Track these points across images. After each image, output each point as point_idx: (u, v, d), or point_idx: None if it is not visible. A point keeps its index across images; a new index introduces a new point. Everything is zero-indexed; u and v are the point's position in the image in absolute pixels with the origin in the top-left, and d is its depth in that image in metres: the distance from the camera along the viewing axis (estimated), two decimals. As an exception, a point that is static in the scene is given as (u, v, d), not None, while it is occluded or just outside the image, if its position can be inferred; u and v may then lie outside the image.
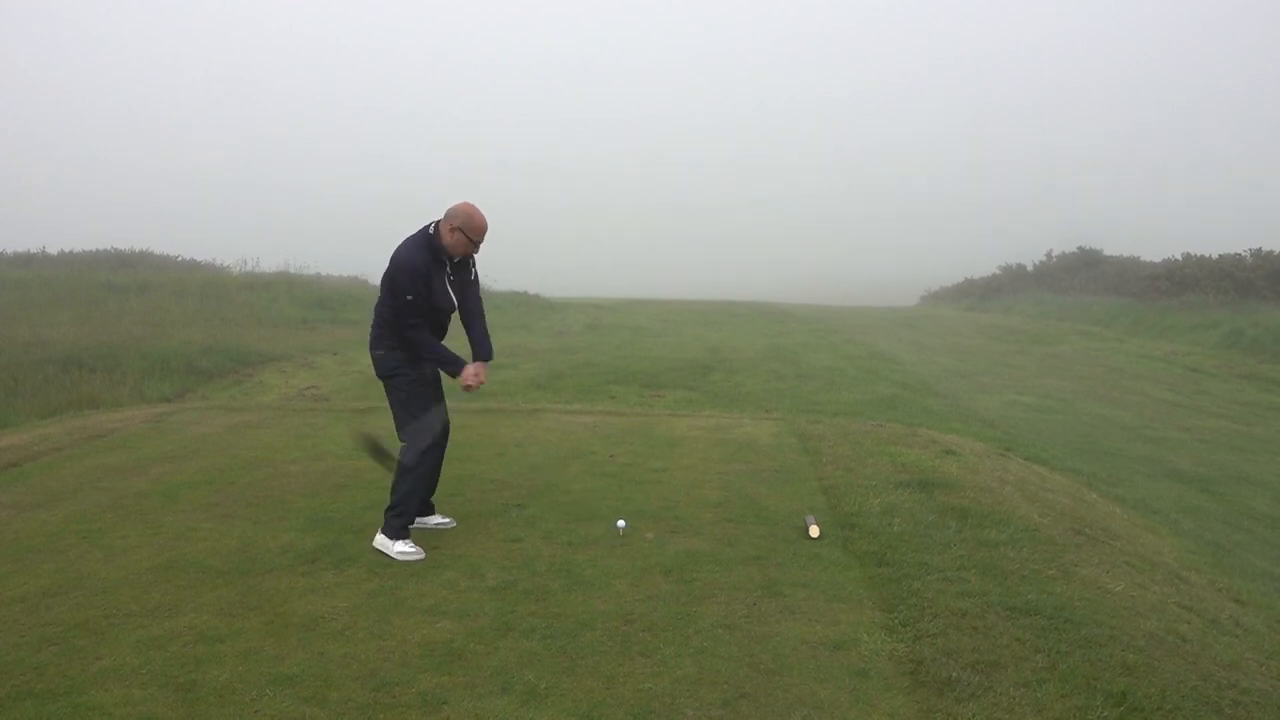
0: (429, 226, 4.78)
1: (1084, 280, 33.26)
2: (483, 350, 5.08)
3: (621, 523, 5.02)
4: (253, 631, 3.71)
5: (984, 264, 40.94)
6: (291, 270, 25.56)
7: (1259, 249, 27.00)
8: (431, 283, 4.71)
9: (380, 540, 4.70)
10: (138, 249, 30.30)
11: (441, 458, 5.03)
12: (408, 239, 4.76)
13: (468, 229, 4.72)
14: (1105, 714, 3.13)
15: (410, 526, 4.82)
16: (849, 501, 5.58)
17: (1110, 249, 35.78)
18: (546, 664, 3.44)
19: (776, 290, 42.21)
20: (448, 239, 4.72)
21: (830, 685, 3.30)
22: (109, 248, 30.09)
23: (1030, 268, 37.92)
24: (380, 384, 4.99)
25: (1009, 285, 37.32)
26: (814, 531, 4.95)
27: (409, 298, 4.66)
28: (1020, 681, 3.33)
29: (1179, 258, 29.15)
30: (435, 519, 5.11)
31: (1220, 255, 27.72)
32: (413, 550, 4.63)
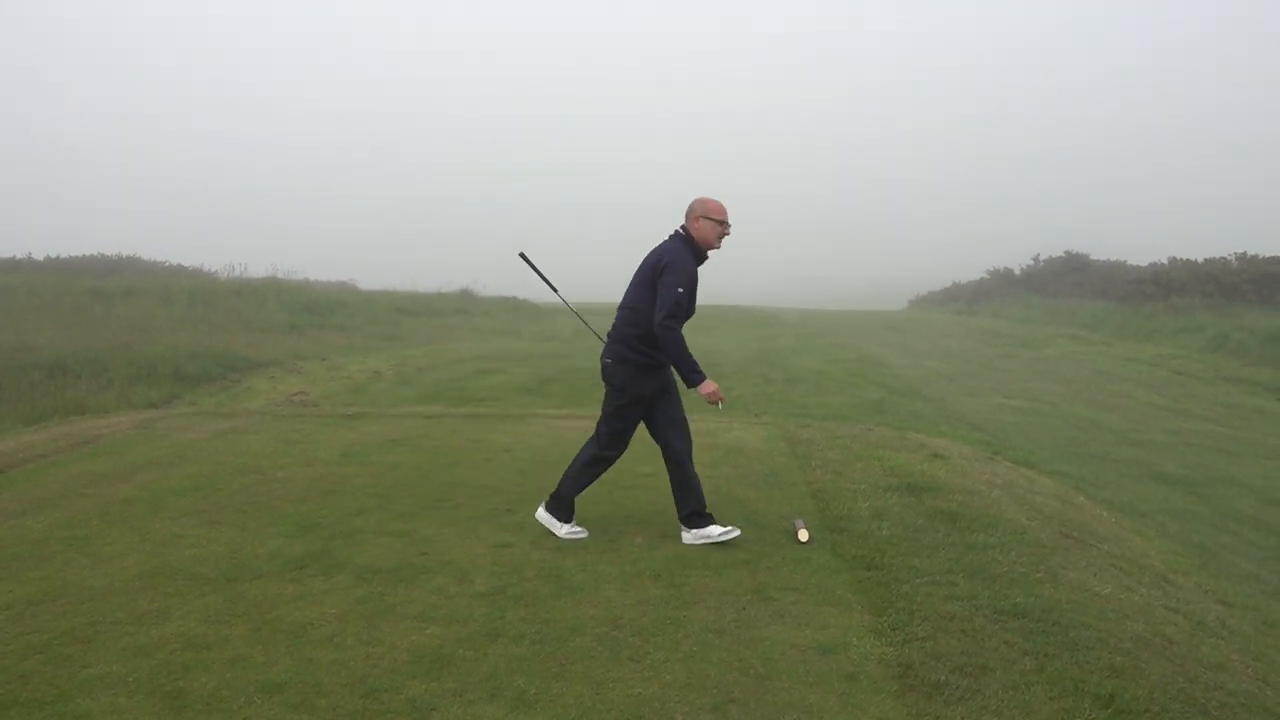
0: (676, 232, 4.78)
1: (1071, 284, 33.42)
2: None
3: (803, 533, 4.97)
4: (240, 639, 3.69)
5: (972, 268, 41.11)
6: (279, 275, 25.51)
7: (1244, 253, 27.20)
8: (697, 282, 4.70)
9: (689, 536, 4.82)
10: (124, 254, 30.22)
11: (685, 463, 4.96)
12: (666, 244, 4.75)
13: (709, 213, 4.68)
14: (1093, 716, 3.14)
15: (565, 528, 4.95)
16: (838, 505, 5.60)
17: (1097, 253, 35.99)
18: (536, 669, 3.43)
19: (764, 294, 42.28)
20: (697, 232, 4.70)
21: (819, 689, 3.31)
22: (95, 253, 30.01)
23: (1018, 272, 38.09)
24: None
25: (997, 289, 37.47)
26: (803, 535, 4.96)
27: (679, 290, 4.59)
28: (1008, 684, 3.34)
29: (1165, 262, 29.33)
30: (567, 528, 4.98)
31: (1206, 259, 27.91)
32: (720, 530, 4.77)
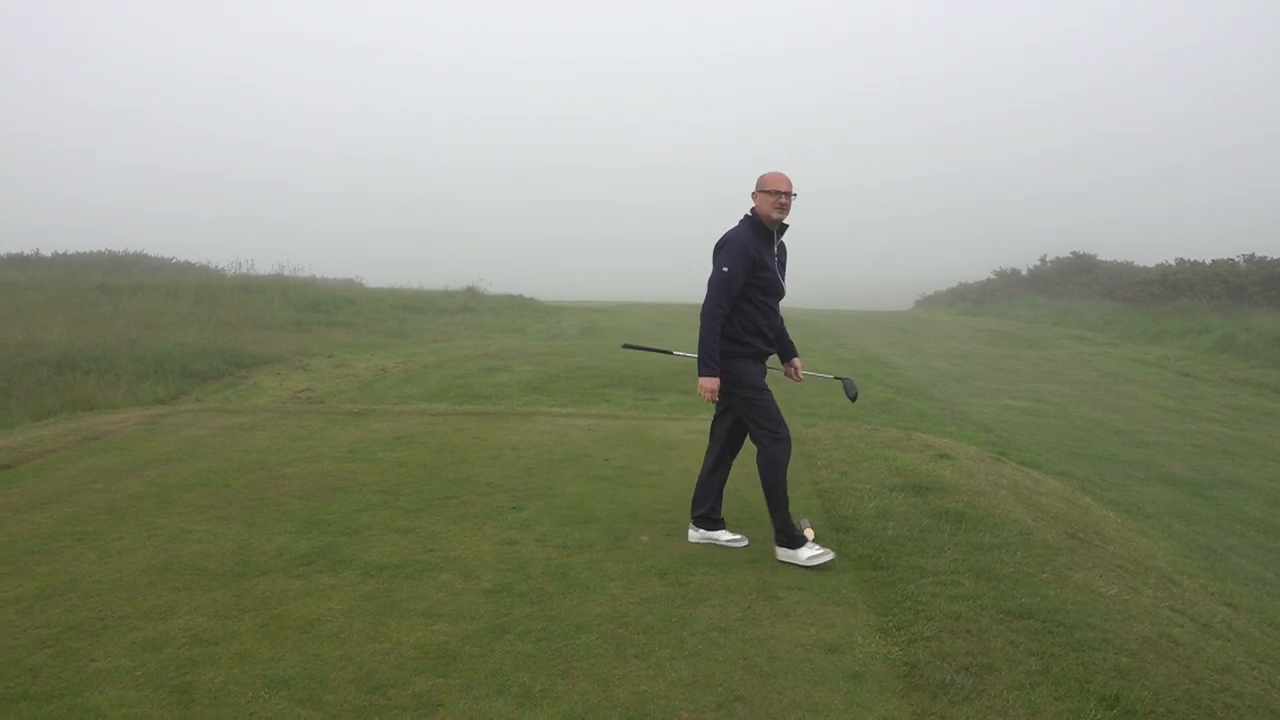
0: (745, 214, 4.73)
1: (1078, 285, 33.35)
2: (790, 349, 5.05)
3: (809, 532, 4.94)
4: (248, 634, 3.71)
5: (978, 268, 41.01)
6: (286, 272, 25.56)
7: (1252, 254, 27.11)
8: (763, 259, 4.59)
9: (783, 554, 4.63)
10: (132, 251, 30.34)
11: (726, 466, 4.97)
12: (731, 228, 4.71)
13: (762, 185, 4.62)
14: (1098, 717, 3.14)
15: (708, 537, 4.86)
16: (843, 505, 5.60)
17: (1104, 254, 35.89)
18: (542, 666, 3.44)
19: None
20: (758, 208, 4.64)
21: (824, 688, 3.31)
22: (103, 249, 30.14)
23: (1025, 272, 38.01)
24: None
25: (1003, 290, 37.40)
26: (809, 535, 4.95)
27: (725, 269, 4.52)
28: (1014, 685, 3.34)
29: (1172, 263, 29.24)
30: (807, 553, 4.63)
31: (1213, 260, 27.81)
32: (820, 552, 4.55)
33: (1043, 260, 37.71)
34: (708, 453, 5.03)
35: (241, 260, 27.47)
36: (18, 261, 27.24)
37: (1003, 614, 3.96)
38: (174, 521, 5.19)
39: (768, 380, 4.80)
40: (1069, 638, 3.76)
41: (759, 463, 4.72)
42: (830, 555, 4.55)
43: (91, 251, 29.99)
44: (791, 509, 5.49)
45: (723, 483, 4.98)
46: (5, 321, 15.69)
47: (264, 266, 26.50)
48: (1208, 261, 27.93)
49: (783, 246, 4.83)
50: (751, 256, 4.55)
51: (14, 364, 12.07)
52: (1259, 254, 26.97)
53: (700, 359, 4.65)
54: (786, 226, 4.76)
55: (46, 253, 29.31)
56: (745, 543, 4.85)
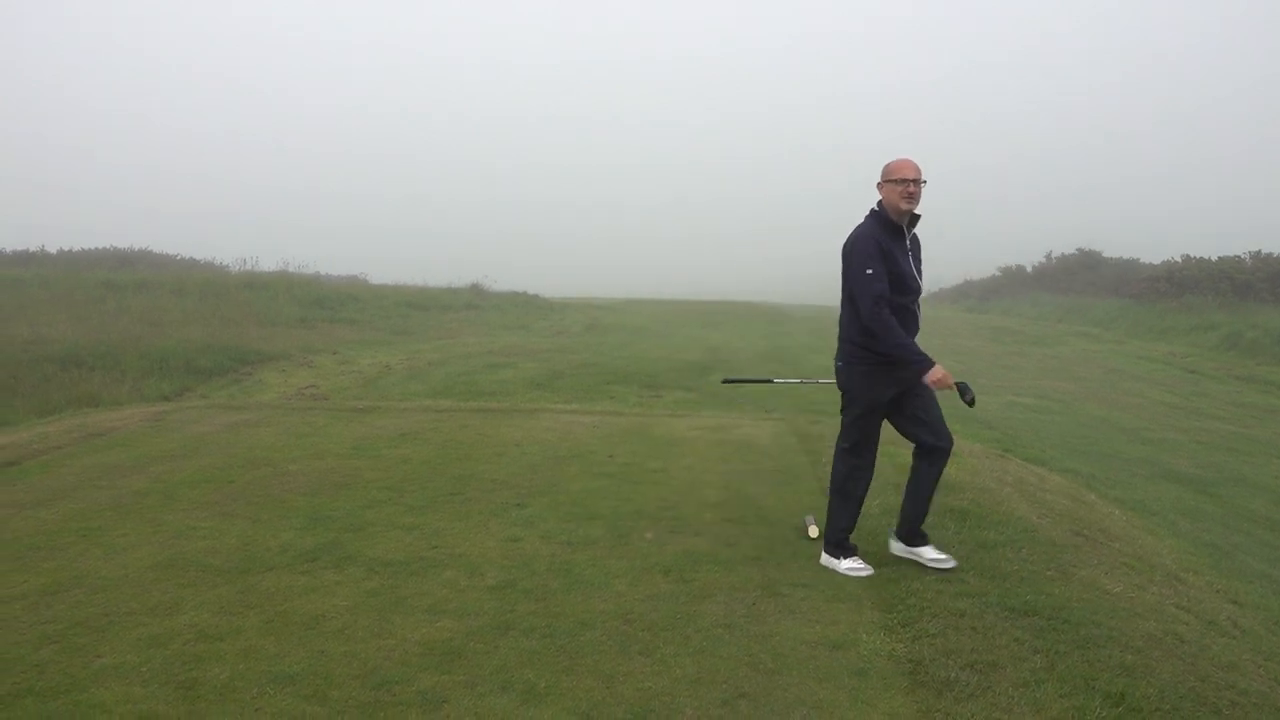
0: (871, 209, 4.41)
1: (1083, 282, 33.26)
2: None
3: (814, 529, 4.98)
4: (253, 630, 3.71)
5: (983, 265, 40.90)
6: (291, 269, 25.59)
7: (1258, 251, 27.02)
8: (894, 255, 4.25)
9: (827, 559, 4.52)
10: (137, 248, 30.38)
11: (938, 465, 4.52)
12: (856, 227, 4.41)
13: (886, 174, 4.30)
14: (1103, 714, 3.14)
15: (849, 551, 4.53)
16: (848, 502, 5.58)
17: (1110, 251, 35.79)
18: (546, 663, 3.44)
19: (775, 290, 42.22)
20: (884, 200, 4.32)
21: (829, 685, 3.31)
22: (108, 246, 30.17)
23: (1029, 269, 37.92)
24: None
25: (1008, 286, 37.32)
26: (813, 532, 4.96)
27: (868, 271, 4.21)
28: (1018, 681, 3.34)
29: (1178, 260, 29.15)
30: (848, 563, 4.47)
31: (1219, 257, 27.73)
32: (861, 567, 4.40)
33: (1048, 257, 37.62)
34: (914, 457, 4.64)
35: (246, 257, 27.52)
36: (23, 258, 27.29)
37: (1008, 611, 3.96)
38: (179, 518, 5.20)
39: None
40: (1074, 635, 3.75)
41: (834, 468, 4.61)
42: (869, 570, 4.39)
43: (96, 248, 30.03)
44: (796, 505, 5.50)
45: (929, 494, 4.55)
46: (11, 318, 15.72)
47: (269, 263, 26.56)
48: (1214, 258, 27.84)
49: (915, 239, 4.47)
50: (884, 251, 4.24)
51: (20, 360, 12.10)
52: (1265, 250, 26.87)
53: (907, 359, 4.26)
54: (918, 218, 4.39)
55: (52, 249, 29.38)
56: (953, 564, 4.45)
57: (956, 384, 4.56)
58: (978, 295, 38.21)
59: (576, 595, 4.09)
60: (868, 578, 4.35)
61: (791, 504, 5.56)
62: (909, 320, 4.38)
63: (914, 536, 4.56)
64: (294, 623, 3.78)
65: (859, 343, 4.37)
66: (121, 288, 19.58)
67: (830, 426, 8.20)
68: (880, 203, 4.36)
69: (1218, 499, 8.12)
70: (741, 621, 3.83)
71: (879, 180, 4.34)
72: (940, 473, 4.53)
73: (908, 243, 4.38)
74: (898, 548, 4.62)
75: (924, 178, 4.30)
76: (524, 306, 26.12)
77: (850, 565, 4.44)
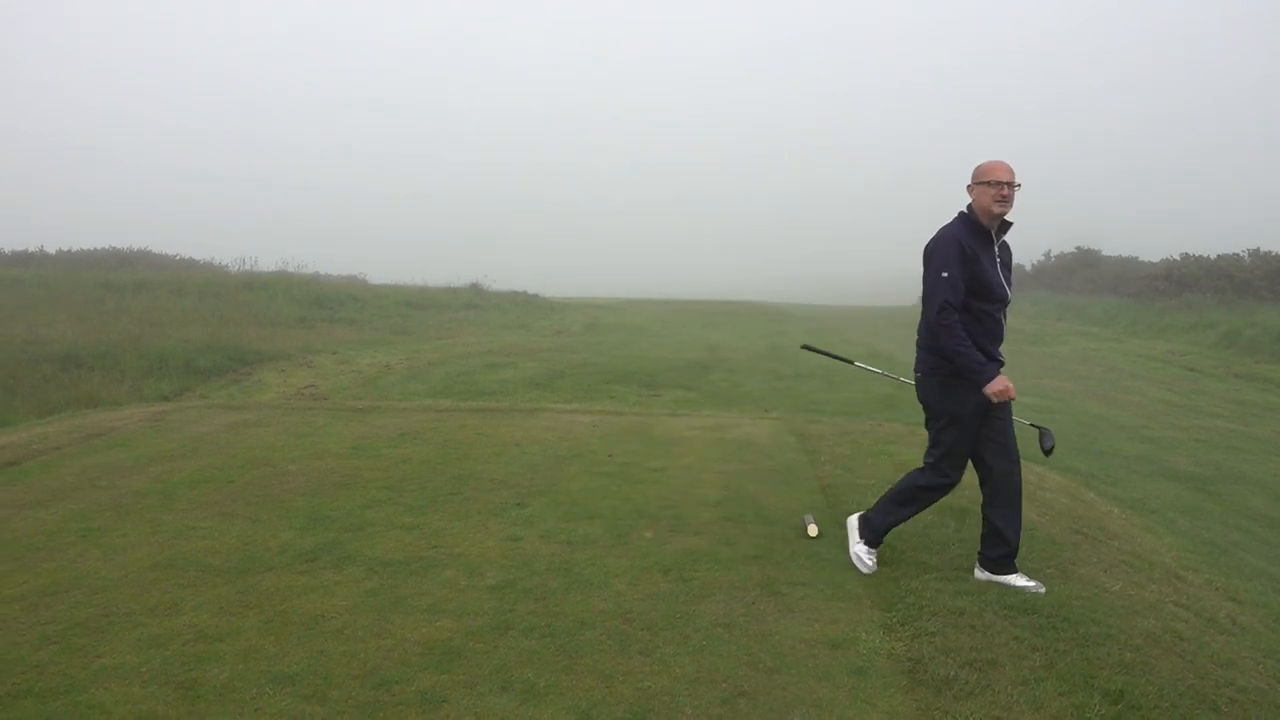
0: (960, 211, 4.22)
1: (1083, 280, 33.29)
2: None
3: (813, 528, 4.96)
4: (252, 630, 3.71)
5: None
6: (290, 269, 25.60)
7: (1257, 249, 27.05)
8: (979, 259, 4.06)
9: (856, 545, 4.46)
10: (136, 248, 30.38)
11: (1005, 490, 4.25)
12: (941, 229, 4.21)
13: (978, 176, 4.09)
14: (1102, 712, 3.14)
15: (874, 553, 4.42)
16: (848, 501, 5.59)
17: (1108, 249, 35.81)
18: (546, 662, 3.45)
19: (774, 289, 42.22)
20: (976, 205, 4.12)
21: (829, 683, 3.31)
22: (107, 246, 30.18)
23: (1028, 267, 37.94)
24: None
25: (1007, 285, 37.28)
26: (812, 530, 4.96)
27: (944, 274, 4.03)
28: (1018, 680, 3.34)
29: (1177, 258, 29.18)
30: (1018, 579, 4.26)
31: (1218, 255, 27.76)
32: (869, 562, 4.32)
33: (1047, 255, 37.65)
34: (981, 486, 4.42)
35: (245, 257, 27.56)
36: (22, 259, 27.29)
37: (1007, 609, 3.96)
38: (178, 518, 5.20)
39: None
40: (1073, 633, 3.75)
41: (911, 478, 4.37)
42: (871, 569, 4.34)
43: (95, 249, 30.05)
44: (795, 504, 5.50)
45: (1014, 527, 4.29)
46: (10, 319, 15.72)
47: (268, 263, 26.57)
48: (1213, 256, 27.87)
49: (1005, 246, 4.27)
50: (967, 255, 4.05)
51: (19, 361, 12.10)
52: (1264, 249, 26.90)
53: (965, 373, 4.07)
54: (1010, 225, 4.21)
55: (51, 250, 29.39)
56: (1043, 589, 4.22)
57: (1038, 430, 4.50)
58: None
59: (576, 595, 4.09)
60: (867, 576, 4.35)
61: (790, 503, 5.57)
62: (994, 329, 4.17)
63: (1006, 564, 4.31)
64: (293, 623, 3.78)
65: (935, 350, 4.18)
66: (120, 288, 19.57)
67: (830, 426, 8.21)
68: (970, 205, 4.17)
69: (1217, 497, 8.12)
70: (741, 620, 3.83)
71: (969, 182, 4.16)
72: (910, 491, 4.39)
73: (996, 249, 4.19)
74: (982, 575, 4.35)
75: (1019, 181, 4.12)
76: (524, 306, 26.13)
77: (865, 553, 4.41)
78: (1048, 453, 4.46)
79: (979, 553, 4.38)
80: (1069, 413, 12.28)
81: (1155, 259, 31.42)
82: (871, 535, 4.45)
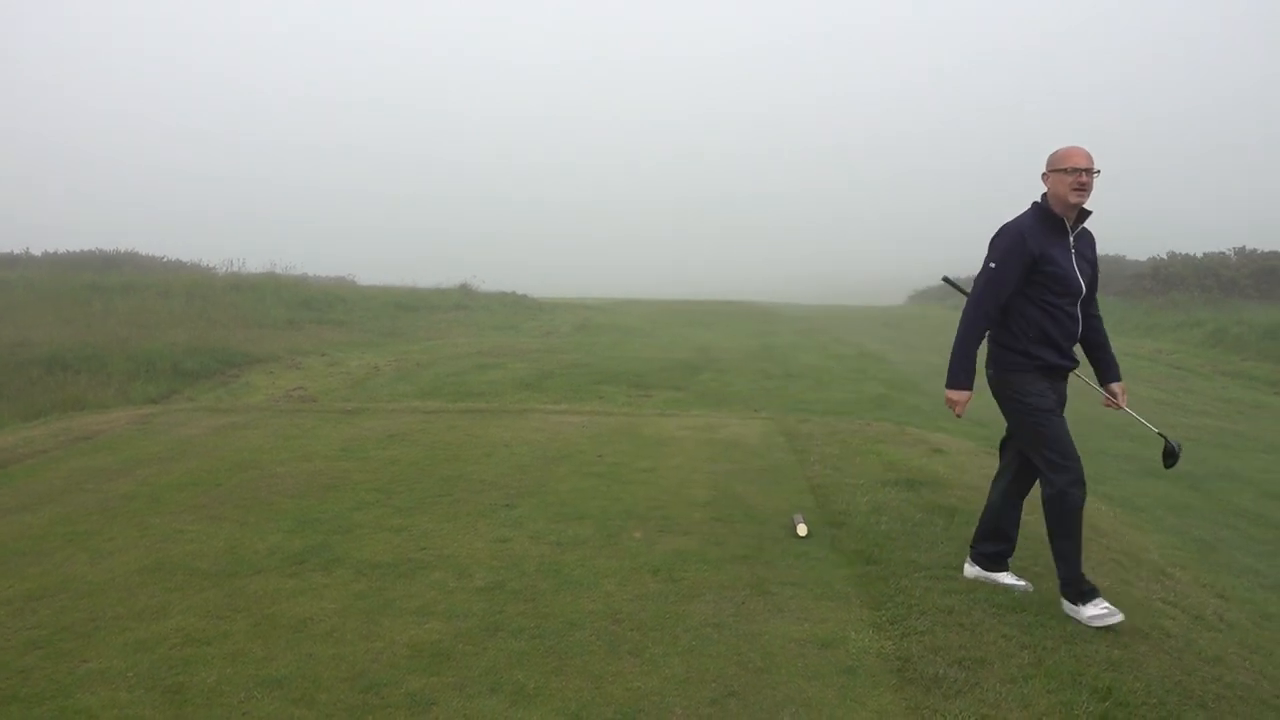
0: (1041, 198, 3.98)
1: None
2: (1111, 369, 4.18)
3: (802, 527, 4.96)
4: (240, 633, 3.69)
5: (971, 263, 40.89)
6: (278, 271, 25.50)
7: (1243, 247, 27.26)
8: (1050, 252, 3.85)
9: (1067, 607, 3.93)
10: (123, 250, 30.19)
11: (1016, 500, 4.18)
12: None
13: (1053, 163, 3.87)
14: (1090, 709, 3.15)
15: (995, 577, 4.13)
16: (837, 500, 5.60)
17: (1095, 248, 35.93)
18: (535, 664, 3.44)
19: (764, 290, 42.29)
20: (1051, 193, 3.89)
21: (818, 683, 3.31)
22: (93, 249, 29.98)
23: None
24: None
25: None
26: (802, 530, 4.96)
27: (991, 264, 3.87)
28: (1006, 678, 3.35)
29: (1164, 256, 29.36)
30: (1007, 577, 4.21)
31: (1205, 254, 27.94)
32: (1107, 612, 3.81)
33: (1035, 254, 37.73)
34: (994, 481, 4.33)
35: (233, 259, 27.42)
36: (8, 261, 27.11)
37: (995, 608, 3.97)
38: (166, 521, 5.17)
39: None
40: (1061, 630, 3.77)
41: (1044, 498, 3.96)
42: (1118, 617, 3.81)
43: (82, 251, 29.87)
44: (785, 504, 5.50)
45: (1016, 524, 4.25)
46: (-5, 321, 15.61)
47: (255, 265, 26.43)
48: (1199, 255, 28.06)
49: (1085, 235, 4.03)
50: (1029, 250, 3.84)
51: (4, 364, 12.03)
52: (1250, 247, 27.09)
53: (949, 368, 4.02)
54: (1089, 213, 3.98)
55: (36, 252, 29.21)
56: (1030, 588, 4.16)
57: (1164, 437, 4.20)
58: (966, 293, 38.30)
59: (565, 596, 4.09)
60: (858, 576, 4.36)
61: (780, 502, 5.57)
62: (1066, 323, 3.96)
63: (998, 565, 4.23)
64: (282, 626, 3.77)
65: (1004, 344, 4.01)
66: (107, 290, 19.46)
67: (819, 425, 8.22)
68: (1045, 195, 3.95)
69: (1204, 494, 8.16)
70: (730, 620, 3.84)
71: (1044, 170, 3.93)
72: (1057, 511, 3.94)
73: (1071, 239, 3.95)
74: (972, 571, 4.30)
75: (1098, 167, 3.87)
76: (513, 307, 26.09)
77: (1096, 608, 3.85)
78: (1168, 466, 4.22)
79: (972, 546, 4.34)
80: (1057, 411, 12.31)
81: (1142, 258, 31.61)
82: (1077, 589, 3.90)
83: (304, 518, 5.22)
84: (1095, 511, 6.38)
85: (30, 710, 3.10)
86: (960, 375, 4.01)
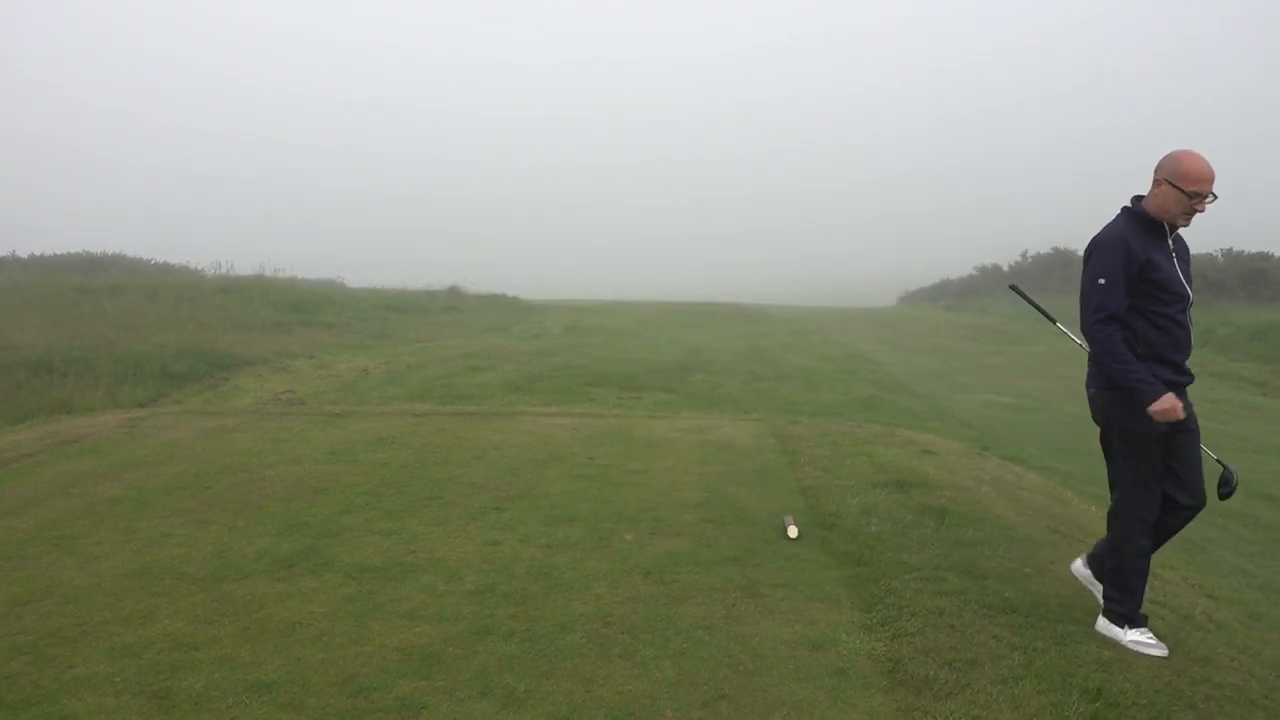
0: (1125, 205, 3.74)
1: (1060, 280, 33.46)
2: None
3: (793, 529, 4.95)
4: (228, 638, 3.67)
5: (960, 264, 41.15)
6: (266, 273, 25.35)
7: (1230, 249, 27.36)
8: (1154, 258, 3.57)
9: (1102, 624, 3.83)
10: (110, 252, 30.00)
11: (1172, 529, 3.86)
12: (1106, 225, 3.75)
13: (1175, 177, 3.52)
14: (1081, 710, 3.16)
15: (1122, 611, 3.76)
16: (827, 502, 5.60)
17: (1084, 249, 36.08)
18: (526, 667, 3.43)
19: (754, 291, 42.30)
20: (1154, 201, 3.61)
21: (809, 685, 3.31)
22: (81, 251, 29.78)
23: (1006, 268, 38.18)
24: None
25: (985, 285, 37.52)
26: (792, 532, 4.96)
27: (1100, 281, 3.57)
28: (997, 679, 3.35)
29: (1152, 258, 29.41)
30: (1133, 634, 3.79)
31: (1192, 255, 28.01)
32: (1150, 641, 3.70)
33: (1024, 256, 37.91)
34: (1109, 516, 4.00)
35: (222, 261, 27.21)
36: (-6, 263, 26.92)
37: (986, 609, 3.98)
38: (153, 525, 5.13)
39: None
40: (1051, 631, 3.78)
41: (1108, 521, 3.88)
42: (1163, 651, 3.68)
43: (69, 253, 29.66)
44: (775, 506, 5.50)
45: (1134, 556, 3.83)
46: (-19, 324, 15.49)
47: (244, 267, 26.26)
48: (1187, 256, 28.12)
49: (1181, 240, 3.76)
50: (1136, 258, 3.56)
51: (-9, 367, 11.93)
52: (1237, 249, 27.22)
53: (1127, 387, 3.57)
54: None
55: (23, 254, 28.99)
56: (1165, 653, 3.72)
57: (1223, 464, 3.90)
58: (955, 294, 38.44)
59: (556, 598, 4.08)
60: (849, 577, 4.35)
61: (771, 504, 5.57)
62: (1180, 337, 3.65)
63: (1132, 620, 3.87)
64: (270, 630, 3.75)
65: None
66: (95, 292, 19.33)
67: (810, 427, 8.22)
68: (1145, 198, 3.68)
69: (1192, 494, 8.20)
70: (721, 623, 3.83)
71: (1159, 175, 3.61)
72: (1175, 529, 3.86)
73: (1170, 242, 3.68)
74: (1083, 572, 4.11)
75: (1216, 192, 3.60)
76: (503, 309, 26.03)
77: (1140, 637, 3.74)
78: (1224, 496, 3.92)
79: (1105, 596, 3.88)
80: (1048, 412, 12.37)
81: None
82: (1121, 616, 3.79)
83: (293, 521, 5.20)
84: (1085, 512, 6.40)
85: (16, 716, 3.07)
86: (1146, 384, 3.53)
